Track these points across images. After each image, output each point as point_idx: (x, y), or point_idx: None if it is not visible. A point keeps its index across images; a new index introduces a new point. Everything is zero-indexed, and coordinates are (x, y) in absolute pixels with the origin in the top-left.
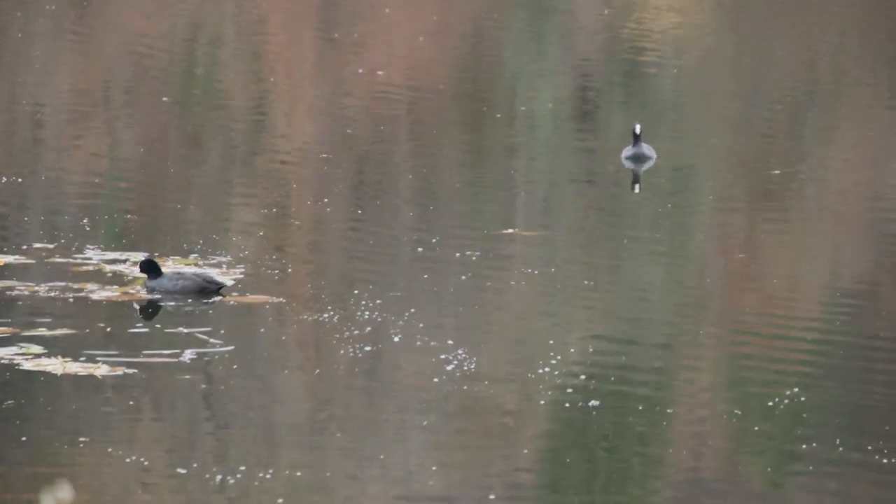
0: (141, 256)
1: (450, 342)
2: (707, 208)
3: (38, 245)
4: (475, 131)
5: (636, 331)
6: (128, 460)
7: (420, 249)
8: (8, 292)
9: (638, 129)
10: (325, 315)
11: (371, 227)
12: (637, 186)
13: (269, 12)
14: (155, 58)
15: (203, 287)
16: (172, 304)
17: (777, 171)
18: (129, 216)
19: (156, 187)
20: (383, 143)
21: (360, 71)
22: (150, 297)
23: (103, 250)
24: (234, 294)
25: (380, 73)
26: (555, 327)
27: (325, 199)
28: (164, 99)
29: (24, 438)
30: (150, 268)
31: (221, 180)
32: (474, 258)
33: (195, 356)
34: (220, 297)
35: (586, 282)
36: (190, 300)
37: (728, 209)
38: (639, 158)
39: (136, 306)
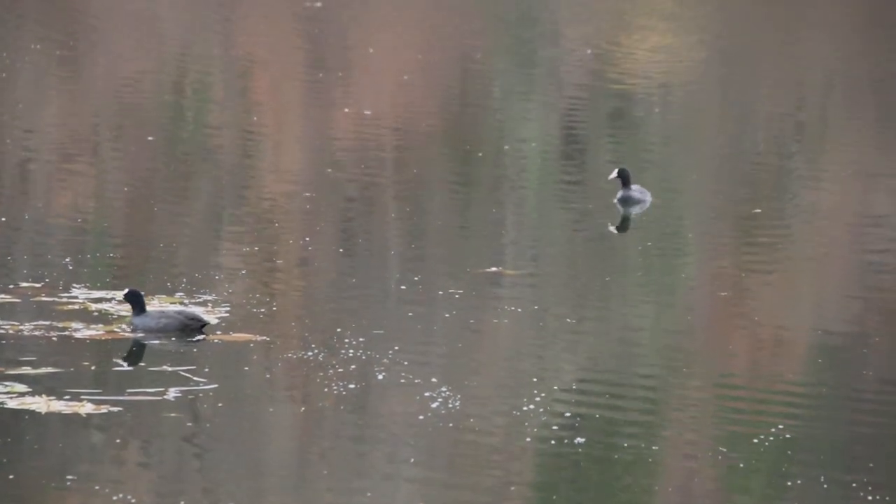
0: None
1: (434, 380)
2: (693, 248)
3: (24, 284)
4: (461, 170)
5: (622, 369)
6: (115, 498)
7: (403, 287)
8: None
9: (615, 174)
10: (310, 353)
11: (356, 266)
12: (619, 229)
13: (255, 52)
14: (141, 97)
15: (185, 325)
16: (156, 342)
17: (758, 210)
18: (115, 255)
19: (142, 226)
20: (369, 182)
21: (346, 110)
22: (134, 335)
23: (89, 289)
24: (219, 332)
25: (367, 112)
26: (540, 366)
27: (311, 238)
28: (150, 138)
29: (11, 476)
30: (134, 299)
31: (207, 219)
32: (457, 297)
33: (180, 394)
34: (203, 336)
35: (571, 321)
36: (174, 338)
37: (715, 248)
38: (627, 201)
39: (121, 345)
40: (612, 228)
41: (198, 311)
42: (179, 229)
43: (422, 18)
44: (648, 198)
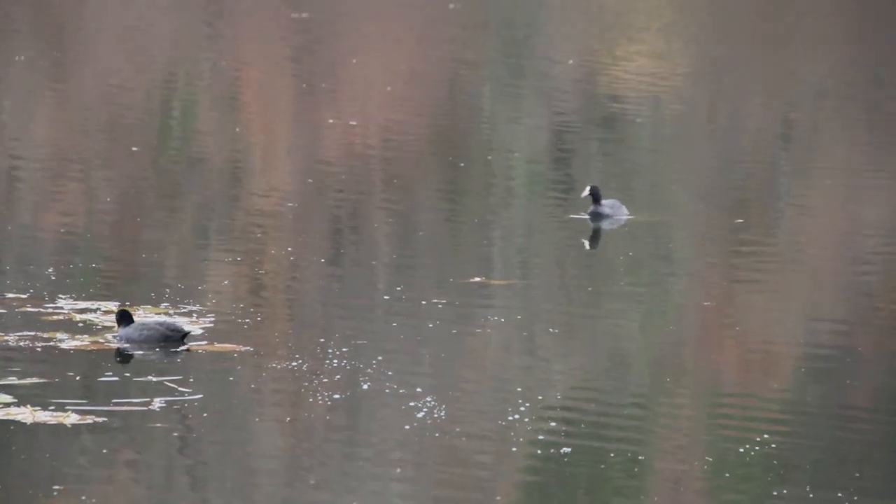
0: (112, 306)
1: (419, 390)
2: (681, 259)
3: (10, 295)
4: (447, 181)
5: (608, 379)
6: None
7: (388, 297)
8: None
9: (586, 191)
10: (296, 363)
11: (342, 276)
12: (589, 244)
13: (242, 63)
14: (129, 108)
15: (166, 336)
16: (141, 353)
17: (741, 220)
18: (101, 266)
19: (128, 237)
20: (355, 193)
21: (331, 121)
22: (119, 346)
23: (75, 300)
24: (203, 342)
25: (352, 123)
26: (526, 376)
27: (297, 249)
28: (134, 149)
29: None
30: (123, 317)
31: (194, 230)
32: (442, 307)
33: (165, 405)
34: (186, 345)
35: (557, 331)
36: (158, 349)
37: (703, 259)
38: (597, 217)
39: (106, 355)
40: (585, 242)
41: (181, 321)
42: (166, 240)
43: (409, 29)
44: (623, 212)
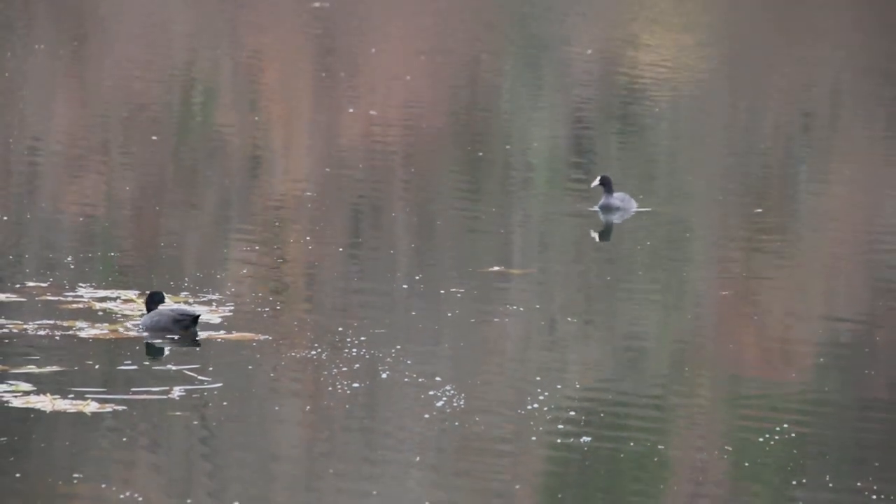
0: (132, 294)
1: (438, 379)
2: (699, 249)
3: (31, 284)
4: (466, 170)
5: (627, 368)
6: (122, 496)
7: (407, 286)
8: None
9: (597, 181)
10: (314, 352)
11: (360, 265)
12: (600, 236)
13: (261, 52)
14: (149, 97)
15: (176, 320)
16: (159, 341)
17: (759, 210)
18: (120, 254)
19: (148, 226)
20: (374, 182)
21: (351, 111)
22: (138, 335)
23: (95, 288)
24: (220, 329)
25: (372, 112)
26: (545, 365)
27: (316, 237)
28: (154, 138)
29: (17, 475)
30: (150, 300)
31: (213, 219)
32: (461, 296)
33: (184, 393)
34: (198, 330)
35: (576, 320)
36: (173, 336)
37: (723, 249)
38: (608, 209)
39: (126, 344)
40: (595, 235)
41: (199, 309)
42: (185, 229)
43: (429, 20)
44: (632, 205)
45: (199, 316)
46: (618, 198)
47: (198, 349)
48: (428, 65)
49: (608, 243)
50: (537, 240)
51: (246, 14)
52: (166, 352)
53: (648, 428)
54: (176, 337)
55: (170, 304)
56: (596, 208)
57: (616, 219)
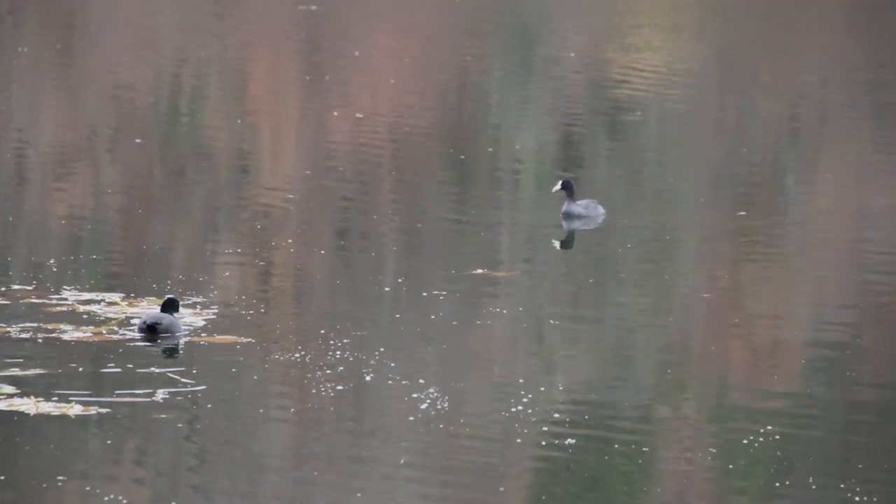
0: (116, 297)
1: (422, 381)
2: (687, 252)
3: (15, 287)
4: (452, 173)
5: (613, 371)
6: (106, 499)
7: (390, 289)
8: None
9: (558, 185)
10: (298, 355)
11: (345, 268)
12: (561, 244)
13: (249, 55)
14: (136, 100)
15: (140, 328)
16: (144, 344)
17: (743, 213)
18: (105, 257)
19: (133, 229)
20: (359, 185)
21: (337, 114)
22: (121, 338)
23: (80, 291)
24: (203, 334)
25: (359, 115)
26: (529, 367)
27: (300, 240)
28: (138, 140)
29: (1, 477)
30: (166, 307)
31: (199, 221)
32: (443, 298)
33: (168, 396)
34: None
35: (560, 322)
36: (161, 340)
37: (708, 252)
38: (569, 217)
39: (110, 347)
40: (556, 244)
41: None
42: (171, 232)
43: (418, 22)
44: (599, 212)
45: (153, 325)
46: (581, 205)
47: (182, 352)
48: (414, 68)
49: (593, 245)
50: (522, 243)
51: (234, 16)
52: (150, 355)
53: (634, 430)
54: (159, 340)
55: (148, 309)
56: (560, 215)
57: (579, 226)
